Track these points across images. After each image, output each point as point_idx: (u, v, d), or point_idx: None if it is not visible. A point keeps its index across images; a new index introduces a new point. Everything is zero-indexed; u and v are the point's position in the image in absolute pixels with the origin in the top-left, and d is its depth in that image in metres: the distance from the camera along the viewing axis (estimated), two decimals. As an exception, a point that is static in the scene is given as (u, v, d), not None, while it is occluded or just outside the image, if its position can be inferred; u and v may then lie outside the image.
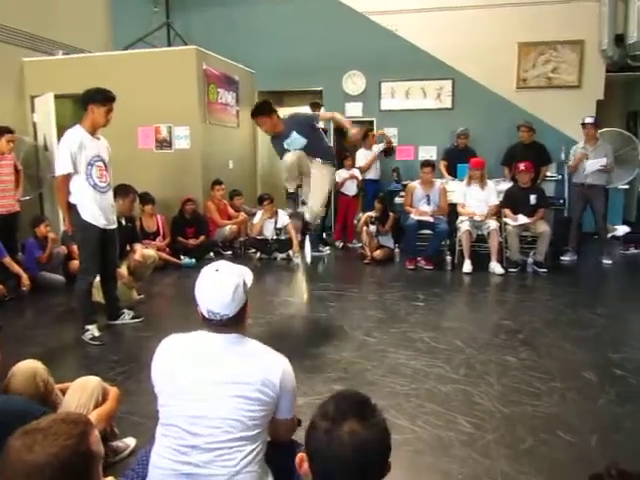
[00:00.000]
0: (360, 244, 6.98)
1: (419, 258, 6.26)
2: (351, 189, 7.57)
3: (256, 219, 6.93)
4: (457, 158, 7.27)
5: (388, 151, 8.04)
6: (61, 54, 7.41)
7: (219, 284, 1.63)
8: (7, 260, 5.11)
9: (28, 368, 2.16)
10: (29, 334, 4.23)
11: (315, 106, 7.61)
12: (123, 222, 4.90)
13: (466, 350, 3.66)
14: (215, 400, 1.57)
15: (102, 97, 3.83)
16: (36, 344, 3.91)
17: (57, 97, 6.53)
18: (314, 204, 4.27)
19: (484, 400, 2.92)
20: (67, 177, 3.80)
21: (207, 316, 1.65)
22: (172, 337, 1.73)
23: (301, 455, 1.13)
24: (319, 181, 4.26)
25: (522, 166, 6.16)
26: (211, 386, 1.57)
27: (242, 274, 1.71)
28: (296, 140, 4.17)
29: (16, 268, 5.14)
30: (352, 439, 1.06)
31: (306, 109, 8.39)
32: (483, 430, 2.61)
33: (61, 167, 3.79)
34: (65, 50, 7.56)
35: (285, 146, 4.20)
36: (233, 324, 1.67)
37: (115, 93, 3.97)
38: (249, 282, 1.74)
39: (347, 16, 8.38)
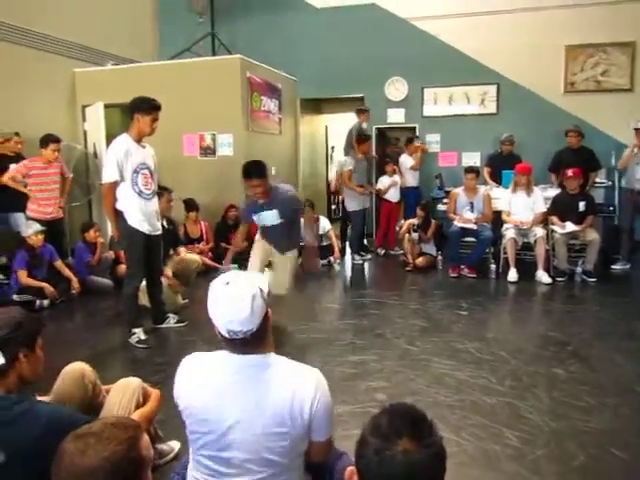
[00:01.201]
0: (402, 251, 6.91)
1: (462, 266, 6.15)
2: (394, 196, 7.52)
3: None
4: (502, 164, 7.11)
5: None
6: (110, 65, 7.66)
7: (234, 298, 1.46)
8: (59, 263, 5.30)
9: (76, 370, 2.21)
10: (78, 336, 4.36)
11: (361, 112, 7.59)
12: (165, 225, 5.01)
13: (512, 361, 3.57)
14: (241, 443, 1.47)
15: (147, 106, 3.90)
16: (84, 346, 4.02)
17: (106, 106, 6.73)
18: (278, 286, 3.93)
19: (532, 414, 2.83)
20: (114, 184, 3.88)
21: (228, 336, 1.48)
22: (191, 362, 1.61)
23: (351, 469, 1.10)
24: (282, 266, 4.19)
25: (570, 172, 5.99)
26: (236, 426, 1.47)
27: (256, 282, 1.52)
28: (269, 218, 3.99)
29: (67, 272, 5.33)
30: (406, 459, 1.01)
31: (350, 116, 8.42)
32: (531, 445, 2.53)
33: (108, 175, 3.88)
34: (114, 61, 7.81)
35: (254, 218, 4.09)
36: (257, 340, 1.51)
37: (161, 102, 4.06)
38: (266, 288, 1.54)
39: (389, 22, 8.35)
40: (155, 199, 4.16)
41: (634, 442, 2.55)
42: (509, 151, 7.30)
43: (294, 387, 1.48)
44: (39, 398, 1.88)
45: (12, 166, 5.58)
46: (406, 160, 7.64)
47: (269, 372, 1.51)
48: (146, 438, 1.26)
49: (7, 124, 5.99)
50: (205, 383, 1.52)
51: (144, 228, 3.99)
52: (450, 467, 2.35)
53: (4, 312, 1.70)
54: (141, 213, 3.96)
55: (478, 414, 2.83)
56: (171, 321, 4.43)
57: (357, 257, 7.07)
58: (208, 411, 1.50)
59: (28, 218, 5.46)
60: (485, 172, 7.31)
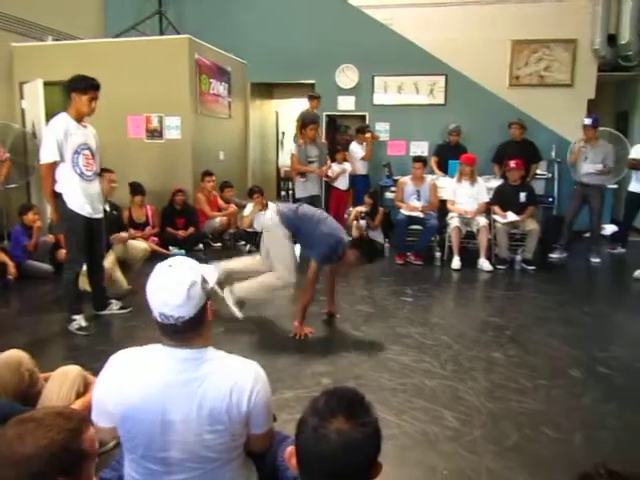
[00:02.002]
0: (350, 238, 6.96)
1: (409, 253, 6.27)
2: (343, 183, 7.55)
3: (246, 211, 6.89)
4: (448, 154, 7.27)
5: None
6: (51, 40, 7.32)
7: (171, 281, 1.41)
8: (-7, 248, 5.07)
9: (13, 358, 2.14)
10: (14, 322, 4.19)
11: (311, 98, 7.57)
12: (107, 209, 4.85)
13: (454, 346, 3.68)
14: (177, 443, 1.43)
15: (85, 85, 3.72)
16: (21, 333, 3.87)
17: (46, 84, 6.43)
18: (283, 271, 3.94)
19: (470, 396, 2.94)
20: (53, 165, 3.72)
21: (160, 320, 1.44)
22: (122, 358, 1.53)
23: (291, 449, 1.12)
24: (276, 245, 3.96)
25: (512, 163, 6.19)
26: (172, 426, 1.43)
27: (201, 270, 1.48)
28: None
29: (2, 256, 5.09)
30: (339, 438, 1.04)
31: (301, 102, 8.39)
32: (469, 426, 2.62)
33: (47, 155, 3.71)
34: (55, 36, 7.47)
35: None
36: (192, 331, 1.45)
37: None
38: (211, 280, 1.51)
39: (341, 9, 8.34)
40: (97, 181, 4.02)
41: (564, 422, 2.69)
42: (456, 142, 7.48)
43: (231, 383, 1.45)
44: None
45: None
46: (356, 149, 7.69)
47: (205, 368, 1.46)
48: (92, 432, 1.23)
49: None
50: (138, 381, 1.44)
51: (85, 211, 3.85)
52: (391, 449, 2.43)
53: None
54: (82, 195, 3.82)
55: (420, 397, 2.91)
56: (114, 307, 4.32)
57: None
58: (141, 411, 1.42)
59: None
60: (432, 162, 7.46)
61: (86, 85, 3.73)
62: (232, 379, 1.46)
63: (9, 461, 1.10)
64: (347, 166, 7.57)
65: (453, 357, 3.49)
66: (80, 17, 8.34)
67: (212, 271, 1.57)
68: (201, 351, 1.49)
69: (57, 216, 3.90)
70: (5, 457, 1.11)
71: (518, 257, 6.07)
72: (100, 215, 4.04)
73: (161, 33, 8.19)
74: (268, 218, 3.96)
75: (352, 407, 1.10)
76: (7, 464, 1.10)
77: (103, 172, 4.75)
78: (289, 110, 10.00)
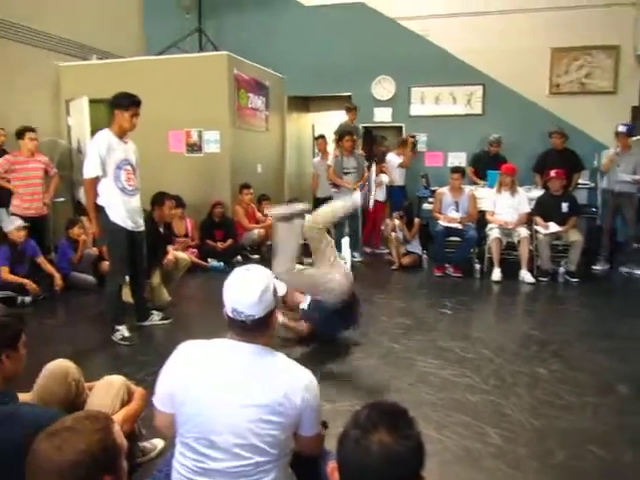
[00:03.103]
0: (388, 250, 6.94)
1: (447, 265, 6.19)
2: (380, 195, 7.54)
3: (284, 223, 6.93)
4: (487, 164, 7.15)
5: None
6: (95, 59, 7.58)
7: (248, 282, 1.58)
8: (41, 260, 5.24)
9: (60, 368, 2.18)
10: (60, 333, 4.31)
11: (347, 110, 7.63)
12: (161, 230, 4.98)
13: (495, 360, 3.60)
14: (232, 426, 1.50)
15: (127, 102, 3.86)
16: (67, 343, 3.98)
17: (91, 101, 6.66)
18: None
19: (514, 412, 2.86)
20: (95, 180, 3.83)
21: (231, 315, 1.58)
22: (190, 346, 1.64)
23: (333, 464, 1.11)
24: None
25: (553, 173, 6.06)
26: (229, 409, 1.50)
27: (273, 279, 1.65)
28: None
29: (49, 268, 5.27)
30: (381, 450, 1.02)
31: (337, 114, 8.45)
32: (513, 443, 2.56)
33: (90, 170, 3.82)
34: (99, 55, 7.73)
35: None
36: (258, 330, 1.59)
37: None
38: (280, 291, 1.69)
39: (377, 21, 8.37)
40: (138, 195, 4.09)
41: (612, 440, 2.59)
42: (496, 152, 7.36)
43: (288, 379, 1.55)
44: (21, 396, 1.86)
45: None
46: (393, 159, 7.66)
47: (266, 362, 1.57)
48: (117, 427, 1.28)
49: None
50: (204, 365, 1.56)
51: (127, 224, 3.94)
52: (432, 465, 2.38)
53: None
54: (124, 209, 3.91)
55: (461, 412, 2.86)
56: (155, 318, 4.40)
57: (341, 255, 7.08)
58: (204, 392, 1.52)
59: (11, 214, 5.38)
60: (469, 171, 7.36)
61: (128, 102, 3.86)
62: (290, 377, 1.56)
63: (55, 473, 1.13)
64: (384, 178, 7.55)
65: (495, 372, 3.41)
66: (123, 36, 8.62)
67: (281, 285, 1.74)
68: (265, 348, 1.60)
69: (98, 229, 4.01)
70: (49, 469, 1.14)
71: (561, 269, 5.92)
72: (141, 229, 4.13)
73: (200, 50, 8.38)
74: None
75: (394, 420, 1.08)
76: (50, 476, 1.14)
77: (164, 197, 4.89)
78: (325, 122, 10.05)
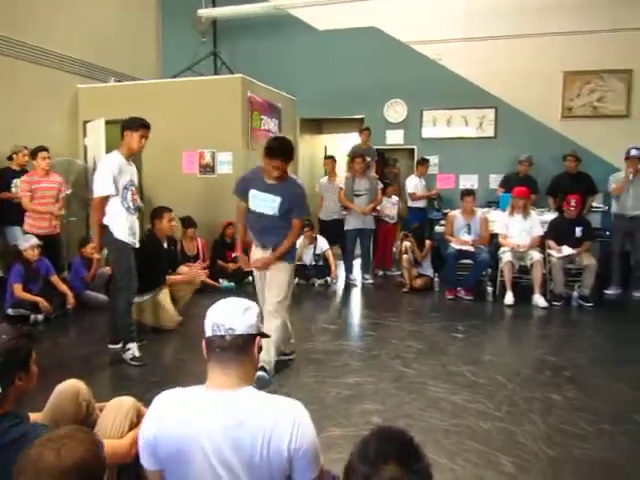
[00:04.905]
0: (399, 272, 6.92)
1: (459, 288, 6.15)
2: (389, 216, 7.53)
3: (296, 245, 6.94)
4: (516, 186, 7.01)
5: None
6: (113, 81, 7.72)
7: (232, 300, 1.56)
8: (54, 278, 5.28)
9: (71, 388, 2.18)
10: (72, 352, 4.33)
11: (362, 132, 7.69)
12: (165, 245, 5.01)
13: (508, 386, 3.55)
14: None
15: (137, 124, 4.00)
16: (78, 362, 3.99)
17: (108, 122, 6.76)
18: (272, 301, 3.59)
19: (528, 440, 2.81)
20: (106, 199, 3.93)
21: (211, 334, 1.49)
22: (166, 399, 1.53)
23: None
24: (274, 277, 3.69)
25: (573, 202, 5.94)
26: (214, 470, 1.41)
27: (257, 309, 1.59)
28: (267, 203, 3.58)
29: (62, 286, 5.30)
30: None
31: (349, 137, 8.50)
32: (527, 472, 2.50)
33: (102, 189, 3.91)
34: (117, 78, 7.88)
35: (250, 196, 3.63)
36: (237, 356, 1.48)
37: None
38: (261, 327, 1.59)
39: (389, 45, 8.46)
40: (137, 214, 4.20)
41: (632, 472, 2.53)
42: (525, 172, 7.30)
43: (270, 425, 1.41)
44: (32, 416, 1.86)
45: (15, 181, 5.64)
46: (412, 182, 7.64)
47: (245, 411, 1.44)
48: (106, 448, 1.36)
49: (11, 138, 6.02)
50: (181, 424, 1.44)
51: (130, 240, 4.03)
52: (445, 494, 2.32)
53: None
54: (127, 227, 4.01)
55: (473, 439, 2.81)
56: (128, 354, 4.01)
57: (350, 277, 7.08)
58: (186, 454, 1.43)
59: (25, 232, 5.44)
60: (498, 192, 7.33)
61: (138, 124, 4.01)
62: (272, 422, 1.41)
63: (46, 475, 1.18)
64: (395, 200, 7.56)
65: (508, 397, 3.36)
66: (140, 59, 8.80)
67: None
68: (241, 392, 1.48)
69: (101, 246, 4.15)
70: (40, 472, 1.18)
71: (575, 293, 5.85)
72: (136, 245, 4.16)
73: (215, 73, 8.51)
74: None
75: (403, 452, 1.05)
76: (44, 477, 1.18)
77: (163, 210, 4.93)
78: (338, 144, 10.11)
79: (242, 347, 1.49)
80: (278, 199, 3.57)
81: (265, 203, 3.58)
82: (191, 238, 6.53)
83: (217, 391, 1.48)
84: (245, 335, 1.50)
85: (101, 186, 3.92)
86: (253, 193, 3.61)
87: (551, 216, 6.45)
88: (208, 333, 1.51)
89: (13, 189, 5.70)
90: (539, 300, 5.74)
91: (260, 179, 3.59)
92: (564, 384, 3.59)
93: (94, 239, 4.17)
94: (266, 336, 1.63)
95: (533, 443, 2.77)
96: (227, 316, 1.50)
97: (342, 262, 7.29)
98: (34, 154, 5.60)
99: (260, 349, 1.57)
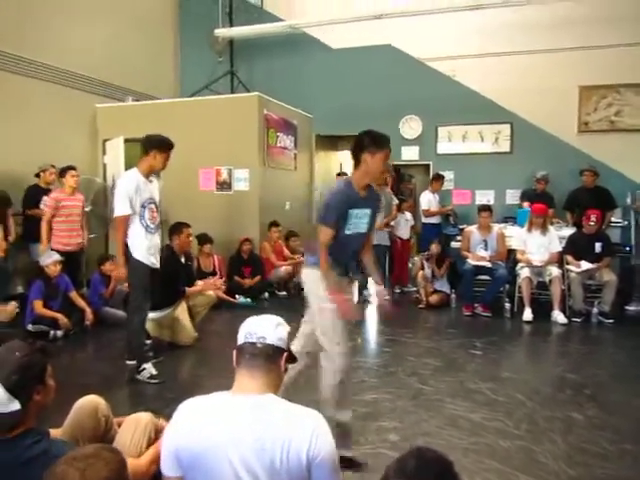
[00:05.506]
0: (415, 288, 6.88)
1: (476, 304, 6.09)
2: (404, 233, 7.52)
3: (311, 260, 6.94)
4: (534, 202, 7.00)
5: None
6: (131, 100, 7.87)
7: (266, 316, 1.66)
8: (73, 294, 5.34)
9: (90, 403, 2.21)
10: (90, 367, 4.36)
11: None
12: (183, 260, 5.05)
13: (527, 404, 3.50)
14: None
15: (165, 145, 4.00)
16: (97, 377, 4.01)
17: (127, 141, 6.88)
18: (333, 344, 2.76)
19: (548, 459, 2.76)
20: (127, 218, 3.90)
21: (242, 342, 1.59)
22: (190, 405, 1.57)
23: None
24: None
25: (593, 217, 5.90)
26: (238, 476, 1.44)
27: (288, 327, 1.69)
28: (364, 219, 2.84)
29: (81, 303, 5.36)
30: None
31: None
32: (548, 492, 2.46)
33: (121, 209, 3.90)
34: (135, 97, 8.02)
35: (350, 220, 2.75)
36: (265, 364, 1.56)
37: (179, 137, 4.17)
38: (291, 347, 1.69)
39: (404, 62, 8.52)
40: (158, 233, 4.15)
41: (655, 492, 2.47)
42: (542, 189, 7.27)
43: (290, 432, 1.45)
44: (52, 432, 1.88)
45: (44, 199, 5.75)
46: (425, 198, 7.62)
47: (267, 417, 1.48)
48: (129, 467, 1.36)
49: (34, 157, 6.16)
50: (205, 430, 1.48)
51: (149, 261, 3.99)
52: (464, 514, 2.29)
53: (6, 351, 1.65)
54: (146, 247, 3.97)
55: (493, 458, 2.76)
56: (145, 374, 4.00)
57: (365, 293, 7.05)
58: (209, 460, 1.46)
59: (50, 249, 5.53)
60: (525, 205, 7.29)
61: (167, 145, 4.00)
62: (291, 429, 1.46)
63: None
64: (408, 216, 7.55)
65: (527, 416, 3.31)
66: (158, 79, 8.96)
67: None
68: (264, 398, 1.53)
69: (125, 268, 3.98)
70: None
71: (595, 309, 5.76)
72: (157, 266, 4.13)
73: (232, 91, 8.64)
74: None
75: (444, 474, 1.06)
76: None
77: (182, 226, 4.98)
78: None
79: (271, 356, 1.58)
80: (369, 211, 2.87)
81: (362, 220, 2.83)
82: (207, 254, 6.58)
83: (243, 395, 1.54)
84: (275, 346, 1.59)
85: (119, 206, 3.92)
86: (354, 213, 2.77)
87: (569, 231, 6.39)
88: (240, 341, 1.61)
89: (42, 206, 5.81)
90: (558, 316, 5.67)
91: (355, 194, 2.78)
92: (584, 402, 3.53)
93: (118, 257, 4.16)
94: (294, 358, 1.68)
95: (554, 462, 2.72)
96: (260, 327, 1.60)
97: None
98: (63, 172, 5.74)
99: (286, 369, 1.65)
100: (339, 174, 8.09)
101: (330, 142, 9.97)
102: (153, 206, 4.05)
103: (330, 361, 2.73)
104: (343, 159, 10.70)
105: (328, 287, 2.72)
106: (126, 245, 3.96)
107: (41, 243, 5.58)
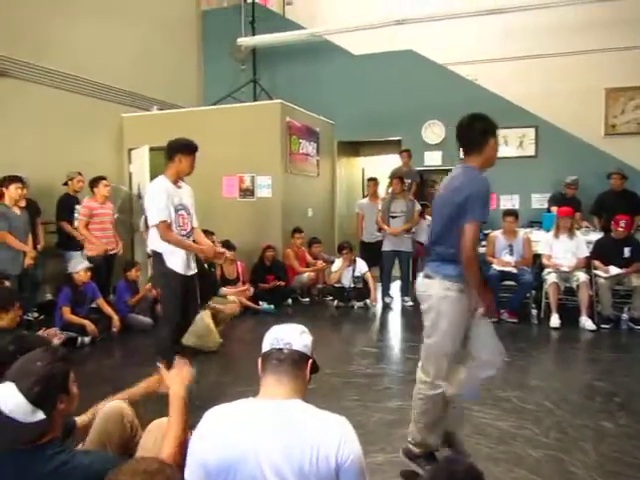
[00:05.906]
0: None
1: (502, 310, 6.00)
2: (424, 237, 7.45)
3: (335, 267, 6.95)
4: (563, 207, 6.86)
5: None
6: (156, 109, 7.98)
7: (290, 324, 1.69)
8: (100, 301, 5.42)
9: (117, 409, 2.24)
10: (116, 374, 4.40)
11: (404, 154, 7.73)
12: (206, 266, 5.08)
13: (556, 412, 3.43)
14: None
15: (191, 148, 3.96)
16: (122, 384, 4.02)
17: (152, 149, 6.98)
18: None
19: (579, 469, 2.70)
20: (166, 224, 3.81)
21: (269, 348, 1.61)
22: (216, 413, 1.57)
23: None
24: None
25: (623, 222, 5.78)
26: (263, 475, 1.45)
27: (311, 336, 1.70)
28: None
29: (108, 309, 5.44)
30: None
31: (386, 159, 8.50)
32: (579, 503, 2.40)
33: (161, 215, 3.81)
34: (160, 106, 8.14)
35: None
36: (291, 368, 1.57)
37: (203, 145, 4.16)
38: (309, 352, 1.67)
39: (425, 67, 8.48)
40: (191, 239, 4.09)
41: (692, 504, 2.40)
42: (572, 195, 7.13)
43: (318, 436, 1.46)
44: (78, 419, 1.90)
45: (77, 207, 5.90)
46: None
47: (293, 421, 1.49)
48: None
49: (62, 166, 6.29)
50: (232, 436, 1.48)
51: (182, 269, 3.93)
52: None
53: (28, 362, 1.64)
54: (178, 254, 3.90)
55: (522, 467, 2.71)
56: None
57: (387, 299, 7.02)
58: (238, 465, 1.46)
59: (86, 257, 5.63)
60: (554, 210, 7.18)
61: (192, 148, 3.97)
62: (320, 433, 1.46)
63: None
64: (430, 221, 7.48)
65: (557, 424, 3.24)
66: (181, 88, 9.08)
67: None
68: (291, 403, 1.53)
69: (210, 251, 4.08)
70: None
71: (624, 315, 5.64)
72: (194, 272, 4.10)
73: (255, 99, 8.70)
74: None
75: None
76: None
77: (207, 234, 5.01)
78: (375, 167, 10.14)
79: (298, 362, 1.60)
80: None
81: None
82: (231, 261, 6.61)
83: (269, 400, 1.55)
84: (301, 352, 1.61)
85: (158, 214, 3.82)
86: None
87: (596, 236, 6.27)
88: (266, 348, 1.63)
89: (76, 214, 5.95)
90: (586, 323, 5.55)
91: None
92: (615, 410, 3.45)
93: (199, 254, 4.18)
94: (317, 367, 1.67)
95: (585, 472, 2.66)
96: (286, 333, 1.63)
97: (379, 284, 7.25)
98: (95, 182, 5.88)
99: (310, 378, 1.65)
100: (370, 180, 8.05)
101: (352, 148, 9.98)
102: (183, 212, 3.99)
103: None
104: (365, 165, 10.70)
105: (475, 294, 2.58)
106: (157, 254, 3.91)
107: (84, 247, 5.77)
